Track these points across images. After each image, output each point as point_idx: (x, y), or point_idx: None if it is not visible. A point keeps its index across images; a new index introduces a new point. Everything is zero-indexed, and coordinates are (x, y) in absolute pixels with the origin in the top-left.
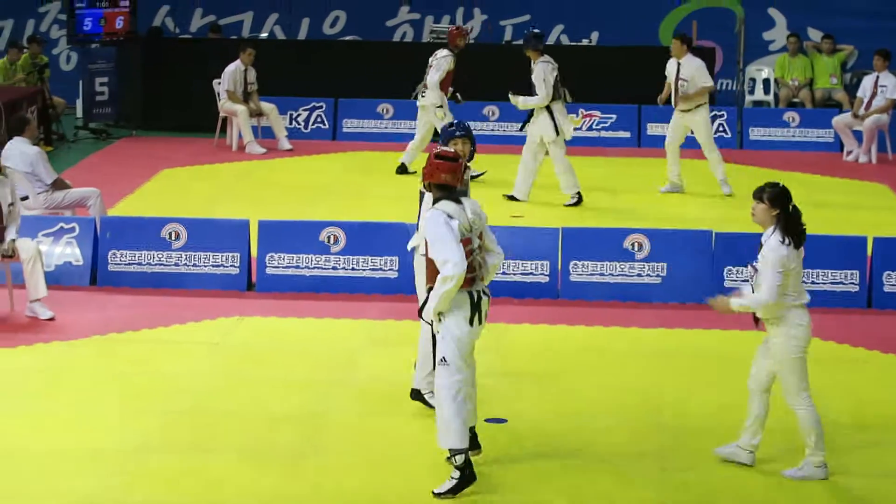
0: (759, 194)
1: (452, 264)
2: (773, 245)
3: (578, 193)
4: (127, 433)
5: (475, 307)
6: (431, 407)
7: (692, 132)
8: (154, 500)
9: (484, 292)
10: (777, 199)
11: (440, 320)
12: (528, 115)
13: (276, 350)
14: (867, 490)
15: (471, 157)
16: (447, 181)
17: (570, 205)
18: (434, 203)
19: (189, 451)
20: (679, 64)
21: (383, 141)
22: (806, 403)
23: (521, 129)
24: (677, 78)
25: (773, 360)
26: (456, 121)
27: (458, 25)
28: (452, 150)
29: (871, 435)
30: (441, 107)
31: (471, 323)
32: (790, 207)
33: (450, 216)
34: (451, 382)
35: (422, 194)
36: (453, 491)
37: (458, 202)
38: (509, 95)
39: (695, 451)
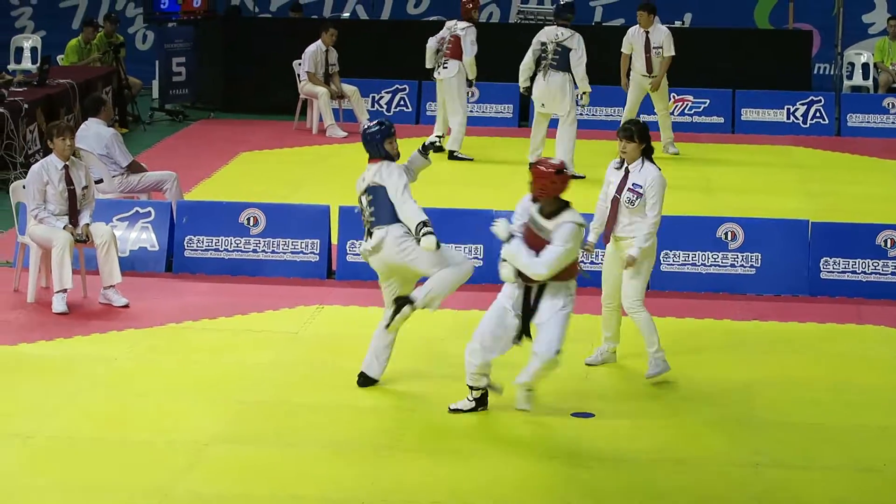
0: (629, 134)
1: (548, 270)
2: (656, 174)
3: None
4: (204, 424)
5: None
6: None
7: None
8: (233, 492)
9: None
10: (644, 134)
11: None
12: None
13: (356, 340)
14: None
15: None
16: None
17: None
18: (557, 214)
19: (269, 443)
20: (647, 33)
21: (468, 125)
22: (643, 308)
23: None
24: (649, 47)
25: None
26: (381, 120)
27: None
28: (559, 162)
29: None
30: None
31: None
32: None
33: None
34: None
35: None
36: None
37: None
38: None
39: (790, 447)
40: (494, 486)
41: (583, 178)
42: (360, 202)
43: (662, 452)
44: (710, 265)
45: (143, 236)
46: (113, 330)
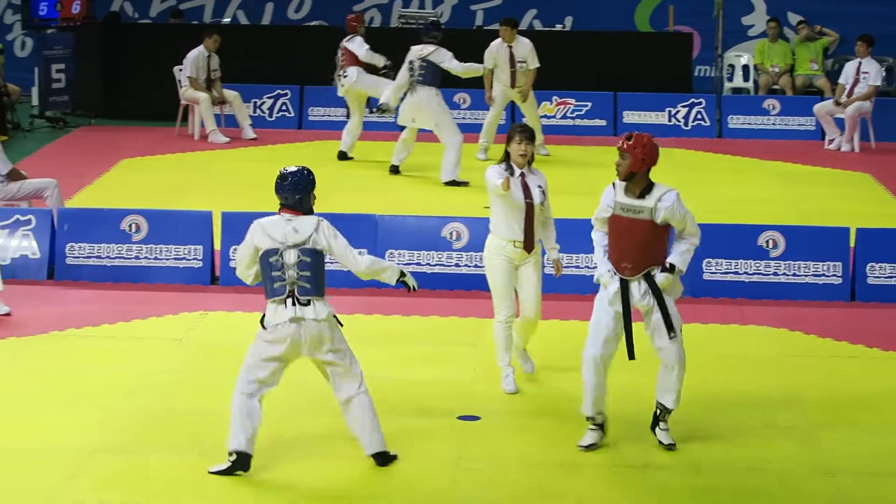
0: (530, 135)
1: (699, 230)
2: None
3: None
4: (87, 433)
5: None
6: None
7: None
8: (119, 500)
9: None
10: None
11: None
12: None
13: (240, 346)
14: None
15: None
16: None
17: None
18: (649, 191)
19: (152, 450)
20: (511, 48)
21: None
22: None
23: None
24: (514, 61)
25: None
26: (304, 167)
27: (356, 12)
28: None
29: (854, 432)
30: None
31: None
32: None
33: None
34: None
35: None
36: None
37: None
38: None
39: (677, 448)
40: (382, 486)
41: (467, 184)
42: (279, 255)
43: (549, 454)
44: (595, 267)
45: (23, 244)
46: None
